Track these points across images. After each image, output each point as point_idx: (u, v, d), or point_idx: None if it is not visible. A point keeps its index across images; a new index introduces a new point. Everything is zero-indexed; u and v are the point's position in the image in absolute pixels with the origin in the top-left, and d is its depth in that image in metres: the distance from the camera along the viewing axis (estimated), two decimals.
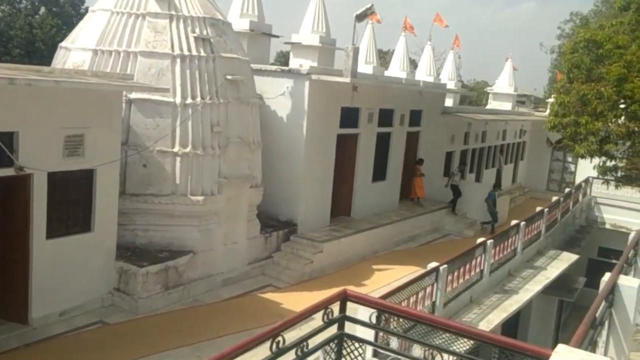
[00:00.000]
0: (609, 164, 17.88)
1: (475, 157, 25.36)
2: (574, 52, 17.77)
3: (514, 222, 16.23)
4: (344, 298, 4.28)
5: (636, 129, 16.55)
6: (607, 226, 26.89)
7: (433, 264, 10.86)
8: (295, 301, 11.62)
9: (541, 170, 32.69)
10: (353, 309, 4.40)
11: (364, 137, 16.28)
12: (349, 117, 15.65)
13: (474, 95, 29.59)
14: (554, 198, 20.81)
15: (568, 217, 22.48)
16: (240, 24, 15.50)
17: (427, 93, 18.86)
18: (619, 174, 17.82)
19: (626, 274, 6.34)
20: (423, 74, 27.64)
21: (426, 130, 19.83)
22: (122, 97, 10.98)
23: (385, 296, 9.10)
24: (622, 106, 16.84)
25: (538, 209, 18.50)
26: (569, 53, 17.78)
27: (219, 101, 11.89)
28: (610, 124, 17.02)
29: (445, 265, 10.92)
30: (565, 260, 16.89)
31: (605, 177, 18.39)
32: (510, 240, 15.48)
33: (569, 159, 31.07)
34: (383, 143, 17.39)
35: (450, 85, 31.21)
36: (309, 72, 13.77)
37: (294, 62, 16.44)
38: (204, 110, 11.66)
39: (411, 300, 9.85)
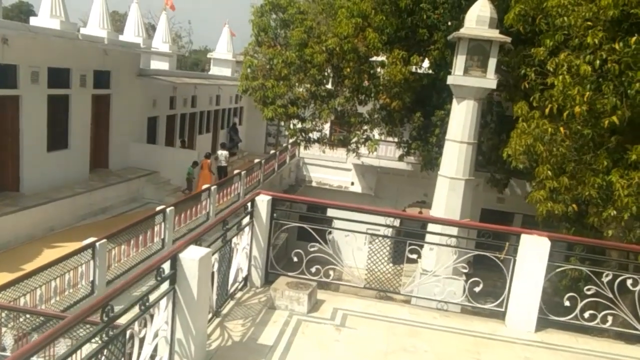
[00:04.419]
0: (298, 126, 18.94)
1: (185, 123, 24.85)
2: (262, 15, 18.18)
3: (205, 186, 16.19)
4: None
5: (317, 92, 17.67)
6: (314, 184, 29.23)
7: (90, 240, 9.94)
8: None
9: (259, 134, 33.95)
10: None
11: (29, 99, 14.16)
12: (2, 76, 13.36)
13: (172, 55, 28.95)
14: (256, 160, 21.54)
15: (274, 177, 23.62)
16: None
17: (115, 52, 17.39)
18: (307, 135, 18.98)
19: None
20: (131, 35, 25.97)
21: (119, 93, 18.38)
22: None
23: (17, 280, 7.96)
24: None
25: (236, 171, 18.86)
26: (257, 17, 18.09)
27: None
28: (296, 87, 17.91)
29: (104, 240, 10.08)
30: None
31: (297, 139, 19.42)
32: (203, 204, 15.37)
33: (283, 123, 32.80)
34: (59, 107, 15.47)
35: (165, 48, 30.09)
36: None
37: None
38: None
39: (53, 284, 8.83)
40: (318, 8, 17.59)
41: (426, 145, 18.71)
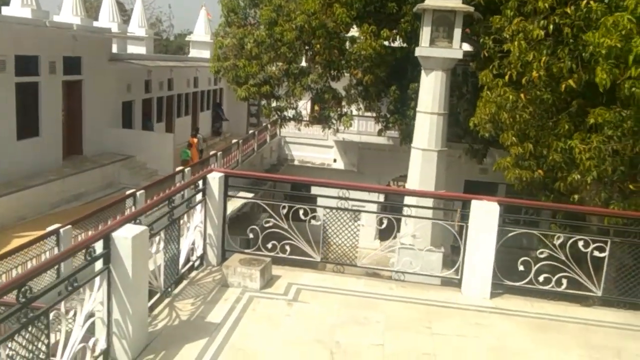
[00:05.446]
0: (274, 104, 18.78)
1: (163, 106, 24.60)
2: None
3: (179, 168, 16.07)
4: None
5: (289, 70, 17.45)
6: (296, 162, 29.09)
7: (54, 226, 9.83)
8: None
9: (240, 114, 33.67)
10: None
11: None
12: None
13: (144, 39, 28.52)
14: (234, 141, 21.41)
15: (254, 157, 23.46)
16: None
17: (85, 38, 17.09)
18: (282, 113, 18.82)
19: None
20: (106, 20, 25.63)
21: (91, 79, 18.09)
22: None
23: None
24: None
25: (212, 152, 18.75)
26: None
27: None
28: (268, 66, 17.70)
29: (68, 226, 9.97)
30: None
31: (273, 118, 19.26)
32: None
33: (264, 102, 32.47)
34: (29, 94, 15.25)
35: (141, 32, 29.70)
36: None
37: None
38: None
39: (14, 272, 8.71)
40: None
41: (404, 118, 18.61)
